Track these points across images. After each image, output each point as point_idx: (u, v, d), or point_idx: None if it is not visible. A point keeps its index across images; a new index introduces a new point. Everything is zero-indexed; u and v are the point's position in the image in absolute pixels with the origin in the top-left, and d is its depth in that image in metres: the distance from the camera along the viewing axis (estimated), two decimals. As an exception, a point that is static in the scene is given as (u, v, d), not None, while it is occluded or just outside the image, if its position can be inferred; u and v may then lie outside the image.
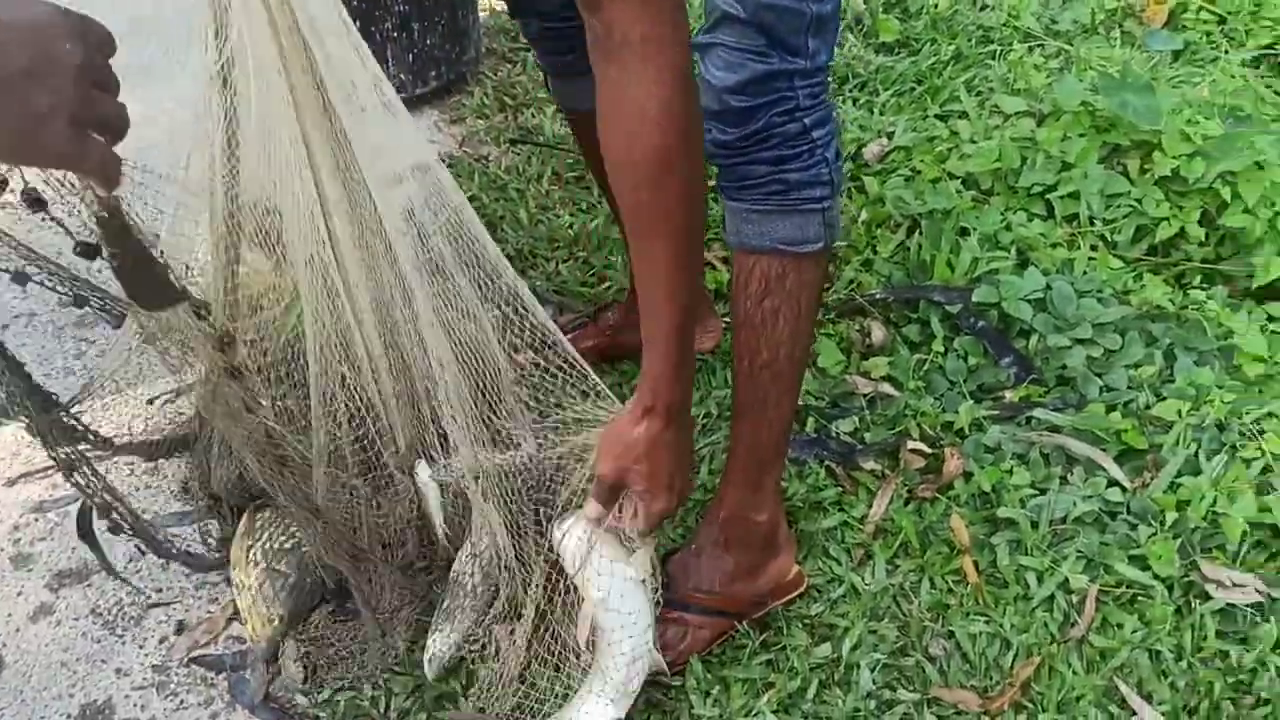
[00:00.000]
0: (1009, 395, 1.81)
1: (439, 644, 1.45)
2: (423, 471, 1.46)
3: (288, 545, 1.55)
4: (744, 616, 1.51)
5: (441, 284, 1.54)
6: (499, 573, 1.45)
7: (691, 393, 1.28)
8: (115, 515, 1.48)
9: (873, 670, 1.48)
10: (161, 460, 1.77)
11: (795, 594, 1.55)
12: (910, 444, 1.72)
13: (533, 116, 2.47)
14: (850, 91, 2.52)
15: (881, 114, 2.43)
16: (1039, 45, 2.61)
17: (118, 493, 1.47)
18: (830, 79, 1.37)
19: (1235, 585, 1.54)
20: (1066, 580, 1.56)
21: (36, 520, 1.73)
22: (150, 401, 1.89)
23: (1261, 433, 1.70)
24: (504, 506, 1.43)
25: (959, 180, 2.18)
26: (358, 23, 1.29)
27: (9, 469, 1.81)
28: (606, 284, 2.06)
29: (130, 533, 1.50)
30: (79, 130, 0.73)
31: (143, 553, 1.56)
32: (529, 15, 1.64)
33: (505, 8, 2.79)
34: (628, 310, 1.93)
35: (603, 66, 1.06)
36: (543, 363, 1.63)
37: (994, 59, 2.59)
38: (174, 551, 1.59)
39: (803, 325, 1.41)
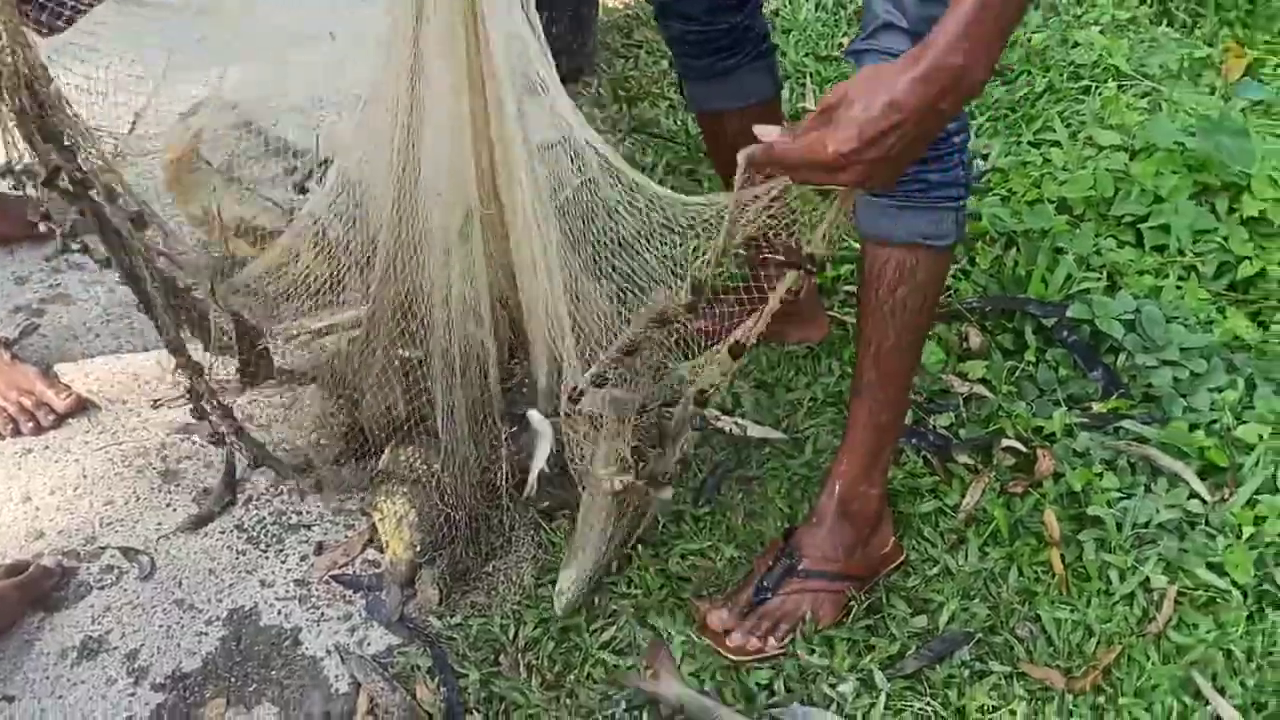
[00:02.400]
0: (1096, 406, 1.92)
1: (568, 581, 1.57)
2: (534, 415, 1.58)
3: (430, 478, 1.66)
4: (861, 584, 1.63)
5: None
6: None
7: (982, 84, 1.05)
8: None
9: (966, 642, 1.59)
10: (300, 391, 1.90)
11: (896, 564, 1.66)
12: (1005, 442, 1.84)
13: (648, 109, 2.60)
14: (947, 113, 2.63)
15: (978, 136, 2.54)
16: (1130, 85, 2.72)
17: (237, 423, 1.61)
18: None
19: (1306, 597, 1.65)
20: (1147, 579, 1.67)
21: (183, 440, 1.85)
22: (289, 339, 2.02)
23: (1336, 461, 1.81)
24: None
25: (1053, 204, 2.30)
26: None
27: (156, 391, 1.93)
28: (717, 270, 2.17)
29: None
30: None
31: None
32: (672, 18, 1.75)
33: (620, 4, 2.94)
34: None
35: None
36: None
37: (1086, 94, 2.70)
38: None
39: (925, 314, 1.54)
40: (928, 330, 1.61)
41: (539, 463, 1.66)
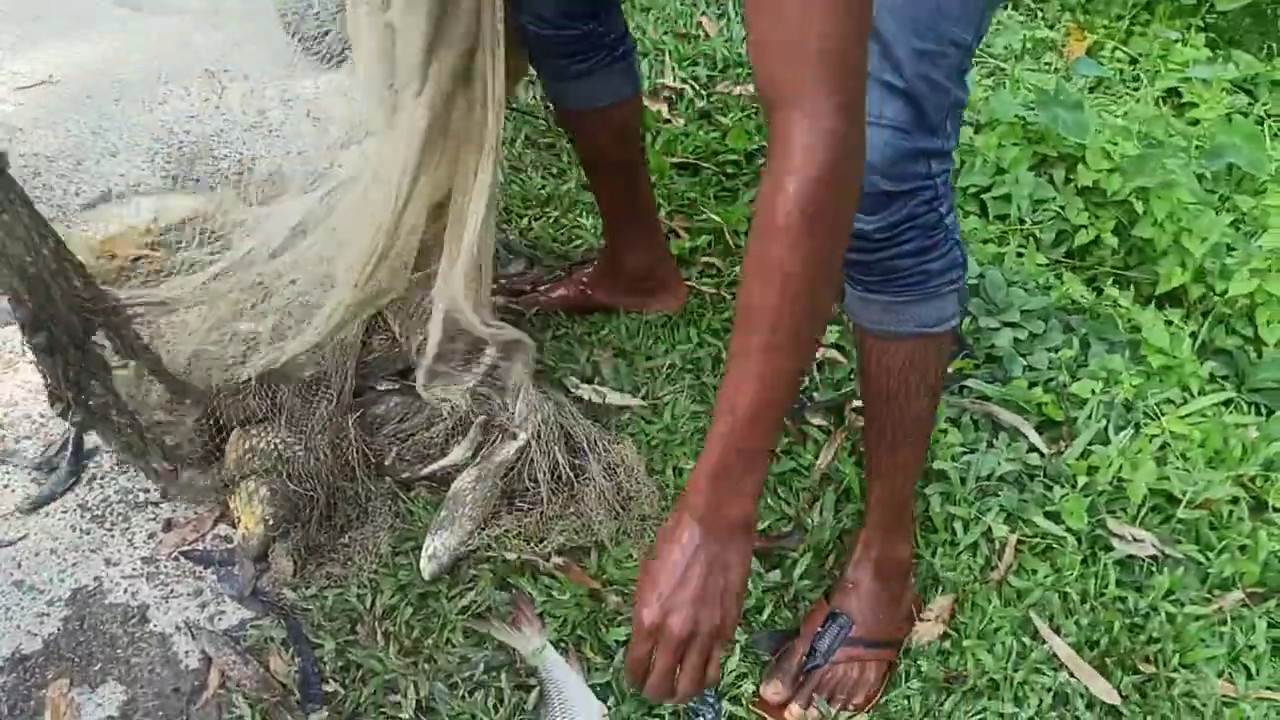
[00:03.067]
0: (943, 368, 1.99)
1: (438, 544, 1.56)
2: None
3: (283, 452, 1.63)
4: (897, 649, 1.58)
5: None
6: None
7: (745, 516, 1.12)
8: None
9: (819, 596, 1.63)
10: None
11: (919, 615, 1.63)
12: (854, 403, 1.89)
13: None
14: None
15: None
16: (976, 63, 2.82)
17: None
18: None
19: (1135, 540, 1.74)
20: (989, 529, 1.74)
21: (23, 419, 1.78)
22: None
23: (1162, 414, 1.92)
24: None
25: (903, 176, 2.37)
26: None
27: (-8, 370, 1.85)
28: (576, 242, 2.19)
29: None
30: None
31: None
32: (528, 16, 1.67)
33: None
34: (601, 270, 2.06)
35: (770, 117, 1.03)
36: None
37: (935, 73, 2.79)
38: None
39: (934, 395, 1.47)
40: (932, 419, 1.52)
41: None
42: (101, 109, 2.47)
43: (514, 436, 1.67)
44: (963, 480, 1.80)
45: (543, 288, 2.05)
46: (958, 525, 1.75)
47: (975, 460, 1.82)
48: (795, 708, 1.51)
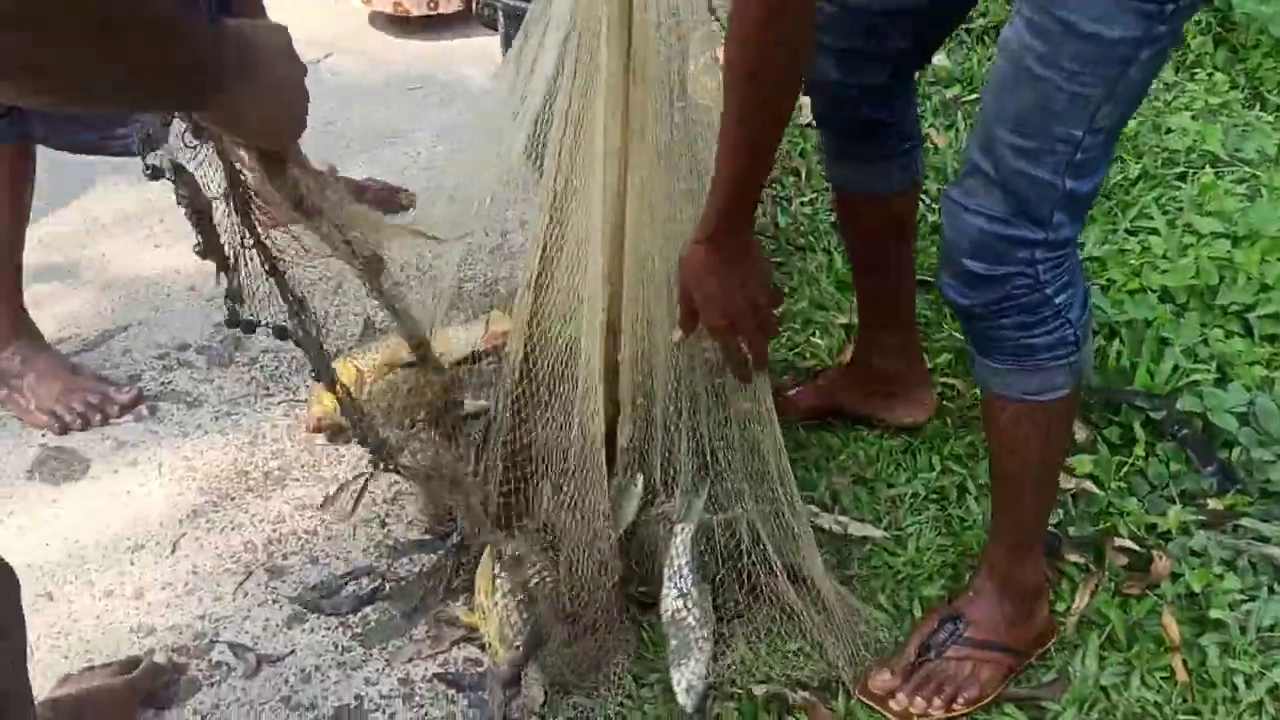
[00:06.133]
0: (1212, 503, 1.86)
1: (690, 675, 1.55)
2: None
3: (531, 578, 1.66)
4: (1019, 658, 1.61)
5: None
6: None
7: (741, 230, 1.43)
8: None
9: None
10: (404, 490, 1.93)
11: (1051, 643, 1.65)
12: (1117, 540, 1.79)
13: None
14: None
15: (1072, 225, 2.52)
16: (1227, 171, 2.69)
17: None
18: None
19: None
20: (1276, 686, 1.60)
21: (289, 535, 1.88)
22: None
23: None
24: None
25: (1155, 293, 2.25)
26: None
27: (263, 489, 1.97)
28: (811, 361, 2.17)
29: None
30: None
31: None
32: (820, 95, 1.76)
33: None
34: (846, 372, 2.03)
35: None
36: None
37: (1182, 181, 2.67)
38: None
39: (1054, 445, 1.53)
40: (1062, 453, 1.61)
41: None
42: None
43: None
44: (1242, 630, 1.66)
45: (789, 392, 2.03)
46: (1239, 680, 1.61)
47: (1256, 609, 1.68)
48: (901, 698, 1.55)
